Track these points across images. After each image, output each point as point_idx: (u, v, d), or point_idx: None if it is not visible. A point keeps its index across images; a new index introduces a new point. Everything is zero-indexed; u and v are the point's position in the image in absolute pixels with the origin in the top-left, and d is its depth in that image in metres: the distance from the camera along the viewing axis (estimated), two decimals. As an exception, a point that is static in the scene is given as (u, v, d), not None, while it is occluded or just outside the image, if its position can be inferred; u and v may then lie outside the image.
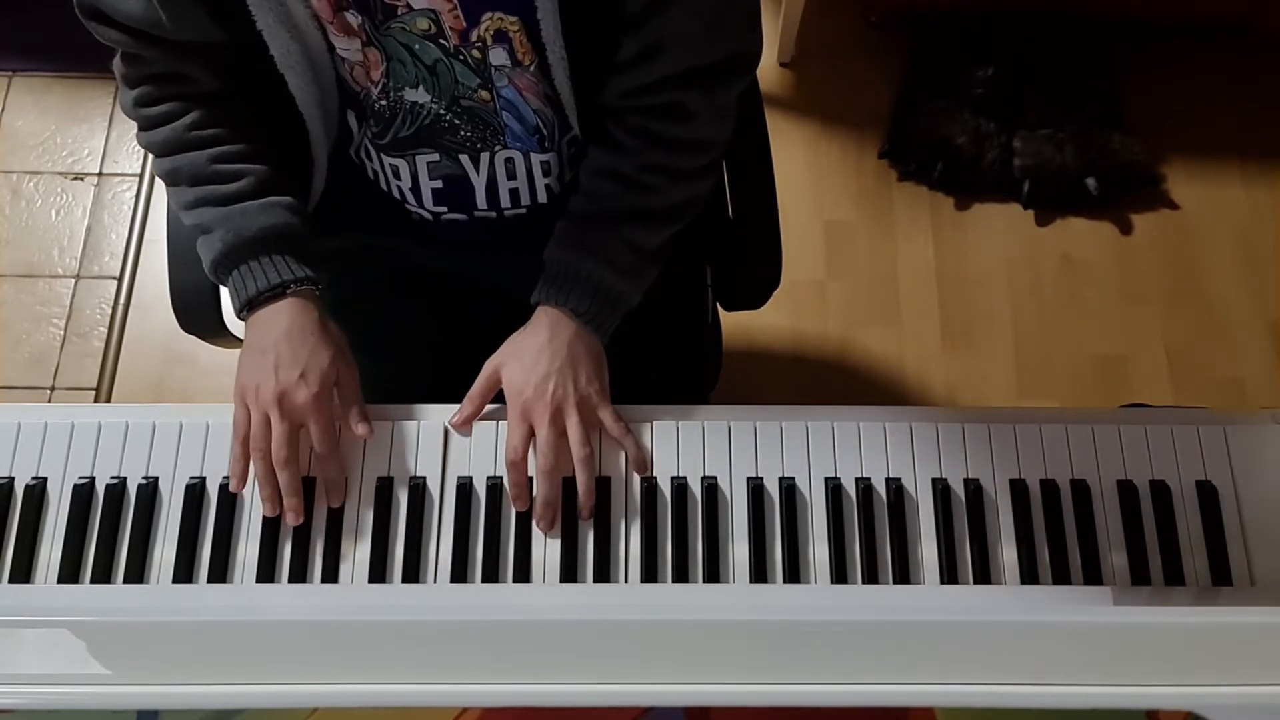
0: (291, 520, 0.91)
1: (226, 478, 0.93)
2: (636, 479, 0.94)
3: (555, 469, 0.92)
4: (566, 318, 0.97)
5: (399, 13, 0.88)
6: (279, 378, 0.91)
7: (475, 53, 0.92)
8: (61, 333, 1.83)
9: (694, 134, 0.98)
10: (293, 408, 0.91)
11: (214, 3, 0.87)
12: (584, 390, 0.95)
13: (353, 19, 0.89)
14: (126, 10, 0.88)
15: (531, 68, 0.93)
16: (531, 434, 0.93)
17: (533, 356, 0.95)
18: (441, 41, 0.90)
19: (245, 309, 0.95)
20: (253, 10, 0.86)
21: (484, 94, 0.95)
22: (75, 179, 1.94)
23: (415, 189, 1.05)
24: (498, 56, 0.92)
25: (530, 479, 0.93)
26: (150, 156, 0.99)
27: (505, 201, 1.06)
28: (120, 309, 1.84)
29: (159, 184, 1.94)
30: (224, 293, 1.13)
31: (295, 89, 0.93)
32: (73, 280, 1.86)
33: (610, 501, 0.93)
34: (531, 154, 1.02)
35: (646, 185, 0.98)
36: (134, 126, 0.99)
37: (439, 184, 1.05)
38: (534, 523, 0.92)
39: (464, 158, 1.02)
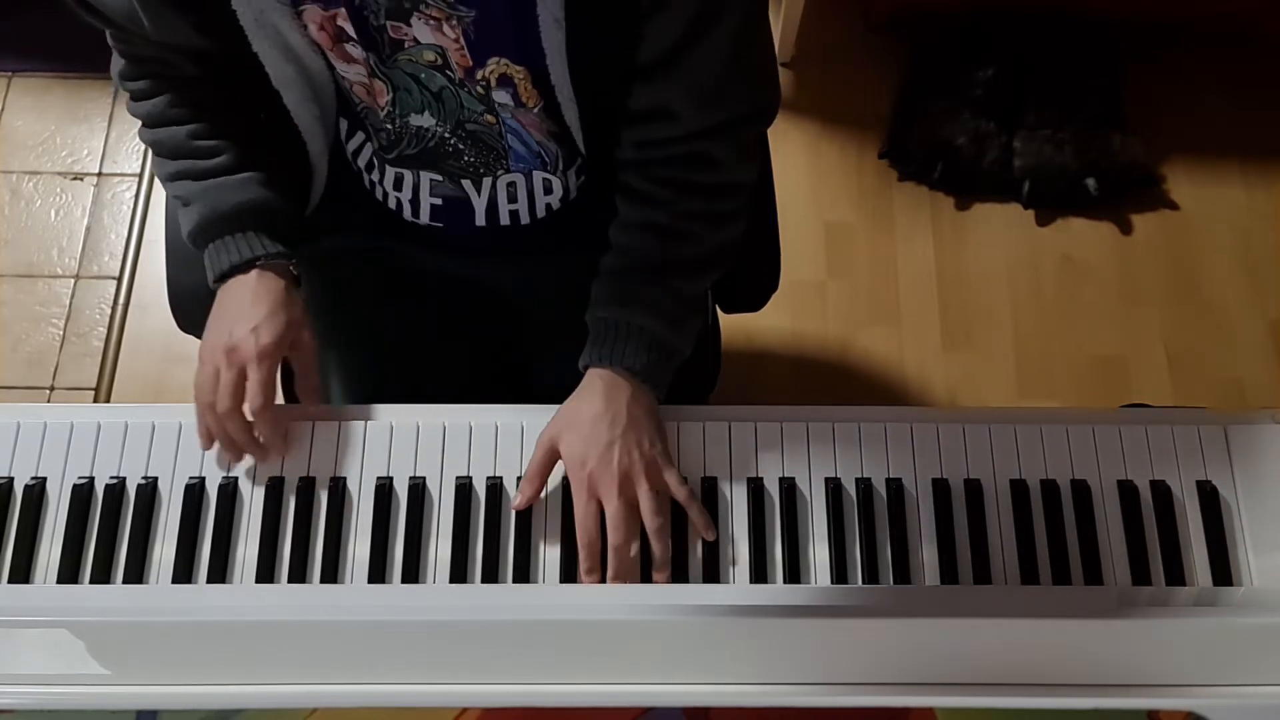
0: (221, 467, 0.93)
1: (226, 477, 0.93)
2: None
3: (627, 544, 0.89)
4: (621, 379, 0.93)
5: (405, 46, 0.88)
6: (232, 333, 0.93)
7: (480, 89, 0.92)
8: (61, 333, 1.82)
9: (724, 178, 0.96)
10: (239, 359, 0.92)
11: (202, 19, 0.87)
12: (649, 455, 0.91)
13: (355, 50, 0.90)
14: (113, 4, 0.88)
15: (535, 110, 0.93)
16: (599, 508, 0.90)
17: (590, 424, 0.91)
18: (448, 73, 0.91)
19: (218, 280, 0.96)
20: (248, 33, 0.87)
21: (489, 118, 0.95)
22: (75, 179, 1.94)
23: (414, 201, 1.05)
24: (501, 96, 0.92)
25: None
26: (139, 124, 1.01)
27: (504, 220, 1.07)
28: (120, 309, 1.84)
29: (159, 184, 1.94)
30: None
31: (291, 105, 0.94)
32: (72, 280, 1.86)
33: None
34: (535, 172, 1.02)
35: (686, 233, 0.96)
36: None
37: (438, 201, 1.05)
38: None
39: (466, 182, 1.03)
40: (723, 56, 0.87)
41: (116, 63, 0.98)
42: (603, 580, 0.90)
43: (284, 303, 0.95)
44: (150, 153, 1.01)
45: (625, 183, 0.98)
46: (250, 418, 0.92)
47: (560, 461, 0.93)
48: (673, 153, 0.93)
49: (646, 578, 0.91)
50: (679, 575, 0.90)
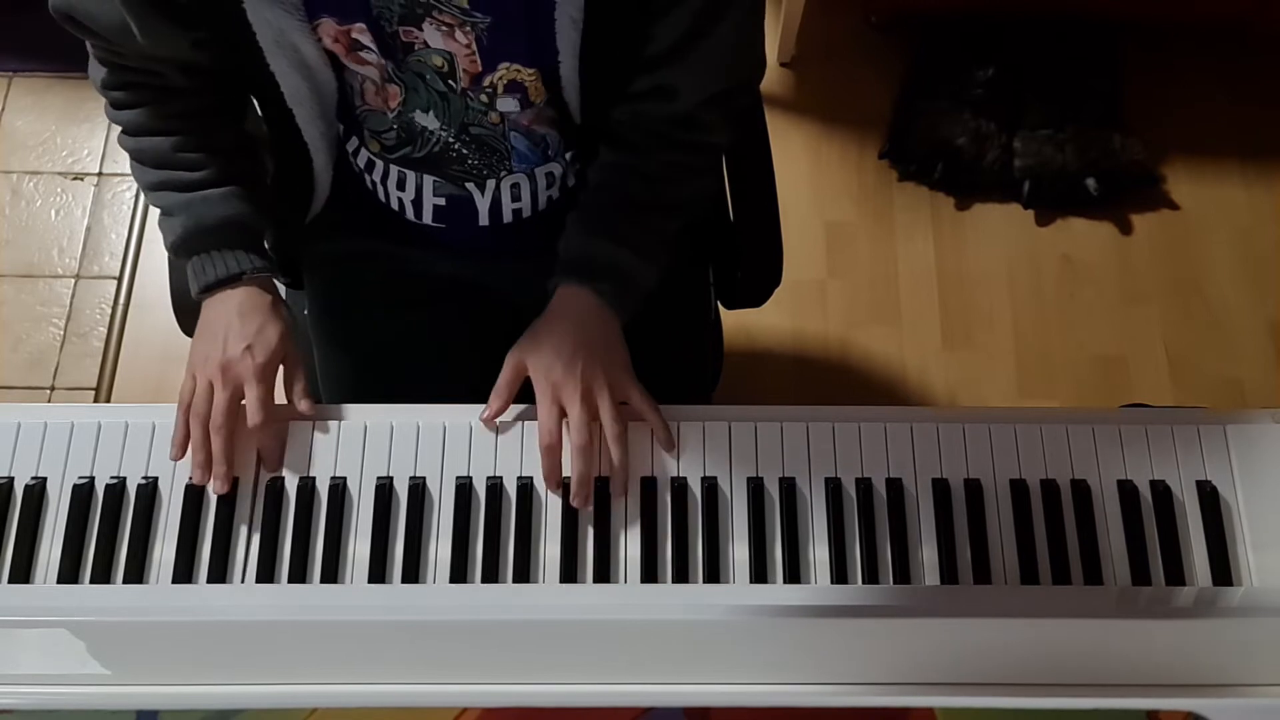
0: (217, 489, 0.92)
1: (226, 478, 0.94)
2: (637, 480, 0.94)
3: (590, 445, 0.92)
4: (587, 297, 0.97)
5: (416, 48, 0.90)
6: (226, 350, 0.94)
7: (484, 97, 0.94)
8: (61, 333, 1.82)
9: (707, 139, 1.01)
10: (235, 377, 0.93)
11: (202, 36, 0.88)
12: (610, 367, 0.95)
13: (370, 57, 0.91)
14: (104, 20, 0.89)
15: (541, 104, 0.96)
16: (563, 415, 0.93)
17: (557, 338, 0.95)
18: (451, 82, 0.93)
19: (203, 293, 0.98)
20: (266, 54, 0.88)
21: (494, 115, 0.97)
22: (75, 179, 1.94)
23: (417, 201, 1.06)
24: (506, 104, 0.95)
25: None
26: (119, 132, 1.02)
27: (507, 218, 1.08)
28: (120, 309, 1.84)
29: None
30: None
31: (302, 123, 0.96)
32: (72, 280, 1.86)
33: (610, 501, 0.93)
34: (536, 169, 1.04)
35: (663, 177, 1.00)
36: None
37: (442, 201, 1.05)
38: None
39: (470, 185, 1.04)
40: (727, 44, 0.92)
41: (96, 70, 0.98)
42: (566, 491, 0.92)
43: (273, 316, 0.97)
44: (130, 160, 1.00)
45: (609, 131, 1.01)
46: (255, 431, 0.93)
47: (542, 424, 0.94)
48: (666, 122, 0.98)
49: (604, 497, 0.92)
50: (679, 575, 0.90)
